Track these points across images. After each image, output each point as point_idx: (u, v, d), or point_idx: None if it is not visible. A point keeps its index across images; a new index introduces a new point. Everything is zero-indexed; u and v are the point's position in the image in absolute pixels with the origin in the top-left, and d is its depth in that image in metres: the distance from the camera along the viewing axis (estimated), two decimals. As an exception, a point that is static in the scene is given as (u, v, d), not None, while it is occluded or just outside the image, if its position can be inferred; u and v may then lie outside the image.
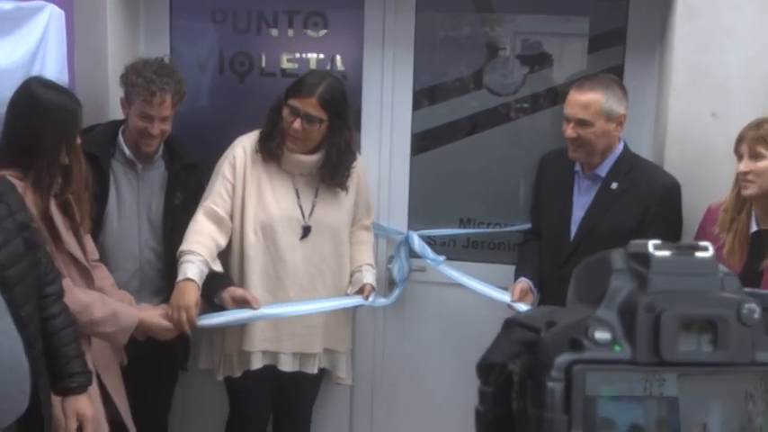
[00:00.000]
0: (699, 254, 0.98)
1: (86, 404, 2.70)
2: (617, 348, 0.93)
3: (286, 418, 3.73)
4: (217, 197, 3.28)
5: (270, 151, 3.30)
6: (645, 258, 0.97)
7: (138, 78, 3.18)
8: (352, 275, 3.49)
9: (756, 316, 0.94)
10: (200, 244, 3.19)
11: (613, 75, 3.41)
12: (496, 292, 3.44)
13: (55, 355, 2.62)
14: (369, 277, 3.44)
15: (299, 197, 3.37)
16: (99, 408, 2.99)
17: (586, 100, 3.11)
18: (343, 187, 3.41)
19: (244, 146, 3.34)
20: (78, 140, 2.86)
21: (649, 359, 0.93)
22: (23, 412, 2.48)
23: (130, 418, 3.22)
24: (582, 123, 3.12)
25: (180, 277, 3.12)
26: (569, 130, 3.14)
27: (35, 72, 3.10)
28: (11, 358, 2.39)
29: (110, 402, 3.13)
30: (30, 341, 2.44)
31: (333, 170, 3.34)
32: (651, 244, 0.98)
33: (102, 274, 3.13)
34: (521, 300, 3.31)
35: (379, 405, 4.05)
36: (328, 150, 3.31)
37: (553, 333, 0.97)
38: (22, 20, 3.18)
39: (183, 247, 3.18)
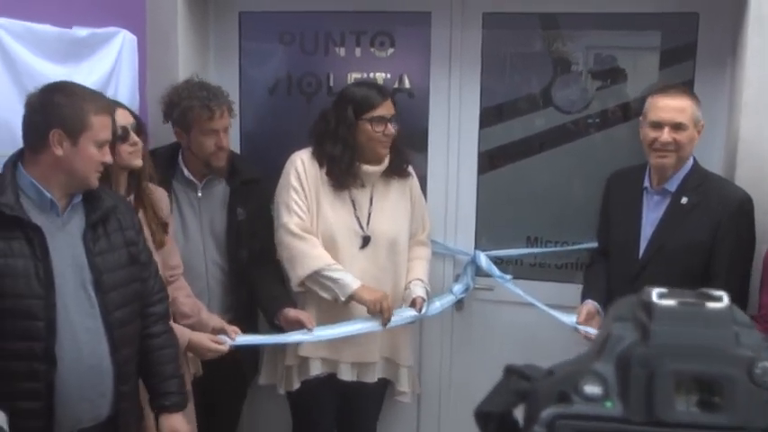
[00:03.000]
0: (710, 304, 0.91)
1: (181, 422, 2.79)
2: (608, 404, 0.87)
3: (350, 432, 3.74)
4: (299, 210, 3.32)
5: (345, 172, 3.34)
6: (648, 307, 0.91)
7: (193, 101, 3.26)
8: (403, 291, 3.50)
9: None
10: (327, 255, 3.28)
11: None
12: (563, 315, 3.39)
13: (152, 372, 2.76)
14: (418, 291, 3.44)
15: (355, 208, 3.40)
16: (194, 426, 3.13)
17: (681, 104, 3.08)
18: (404, 174, 3.46)
19: (302, 159, 3.38)
20: (131, 144, 2.92)
21: (643, 418, 0.86)
22: (105, 418, 2.57)
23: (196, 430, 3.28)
24: (678, 127, 3.07)
25: (352, 287, 3.23)
26: (665, 135, 3.07)
27: (109, 95, 3.19)
28: (92, 359, 2.49)
29: None
30: (116, 346, 2.54)
31: (393, 160, 3.41)
32: (656, 292, 0.92)
33: (178, 285, 3.20)
34: (586, 323, 3.25)
35: (445, 424, 4.02)
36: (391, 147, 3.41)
37: (545, 384, 0.93)
38: (97, 46, 3.30)
39: (318, 264, 3.24)
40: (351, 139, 3.31)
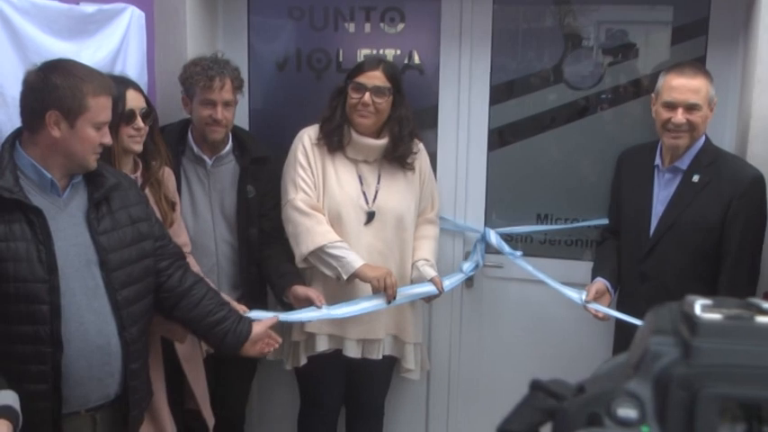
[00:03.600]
0: (760, 318, 0.80)
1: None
2: (644, 430, 0.79)
3: (358, 412, 3.77)
4: (305, 186, 3.33)
5: (330, 134, 3.34)
6: (691, 321, 0.81)
7: (196, 68, 3.26)
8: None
9: None
10: (332, 232, 3.28)
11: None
12: (572, 291, 3.38)
13: (207, 324, 2.84)
14: (431, 272, 3.43)
15: (362, 183, 3.40)
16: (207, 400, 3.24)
17: (697, 84, 3.05)
18: (407, 165, 3.44)
19: (309, 135, 3.40)
20: (135, 128, 2.91)
21: None
22: (114, 396, 2.58)
23: (209, 409, 3.30)
24: (692, 108, 3.05)
25: (354, 265, 3.21)
26: (679, 116, 3.05)
27: (117, 72, 3.18)
28: (99, 339, 2.49)
29: (190, 392, 3.22)
30: (124, 324, 2.54)
31: (397, 145, 3.37)
32: (699, 303, 0.82)
33: (189, 262, 3.18)
34: (596, 300, 3.25)
35: (455, 401, 4.04)
36: (392, 126, 3.37)
37: (575, 404, 0.85)
38: (104, 22, 3.27)
39: (322, 240, 3.24)
40: (341, 101, 3.35)
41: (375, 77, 3.30)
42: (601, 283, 3.32)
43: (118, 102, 2.71)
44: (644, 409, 0.79)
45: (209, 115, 3.28)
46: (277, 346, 3.04)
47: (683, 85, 3.06)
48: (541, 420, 0.89)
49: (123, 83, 2.93)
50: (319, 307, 3.21)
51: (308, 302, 3.25)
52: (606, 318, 3.26)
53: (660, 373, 0.80)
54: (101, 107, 2.45)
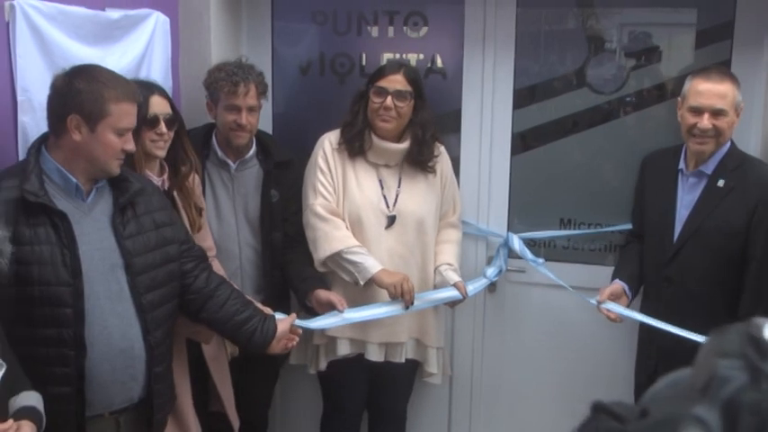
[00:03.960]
0: None
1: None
2: None
3: (381, 416, 3.77)
4: (325, 191, 3.34)
5: (352, 139, 3.35)
6: (759, 344, 0.79)
7: (221, 73, 3.28)
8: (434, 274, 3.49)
9: None
10: (351, 237, 3.30)
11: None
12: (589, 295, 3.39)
13: (233, 326, 2.87)
14: (455, 276, 3.42)
15: (382, 187, 3.40)
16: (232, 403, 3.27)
17: (724, 90, 3.03)
18: (428, 169, 3.44)
19: (330, 140, 3.42)
20: (158, 133, 2.91)
21: None
22: (137, 399, 2.60)
23: (234, 410, 3.32)
24: (718, 113, 3.03)
25: (371, 271, 3.22)
26: (705, 122, 3.04)
27: (142, 77, 3.20)
28: (122, 342, 2.51)
29: (216, 394, 3.24)
30: (148, 328, 2.56)
31: (420, 148, 3.38)
32: (767, 326, 0.79)
33: (215, 266, 3.19)
34: (613, 302, 3.26)
35: (477, 406, 4.03)
36: (415, 130, 3.37)
37: (640, 428, 0.83)
38: (130, 27, 3.30)
39: (339, 246, 3.26)
40: (363, 106, 3.36)
41: (396, 81, 3.30)
42: (618, 285, 3.33)
43: (141, 106, 2.73)
44: None
45: (234, 120, 3.30)
46: (298, 339, 3.07)
47: (709, 90, 3.03)
48: None
49: (149, 88, 2.95)
50: (341, 311, 3.22)
51: (330, 306, 3.25)
52: (618, 319, 3.24)
53: (729, 399, 0.77)
54: (123, 113, 2.46)
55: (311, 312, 3.32)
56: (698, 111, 3.04)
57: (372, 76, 3.38)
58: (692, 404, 0.79)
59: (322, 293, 3.29)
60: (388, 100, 3.29)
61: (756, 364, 0.78)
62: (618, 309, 3.24)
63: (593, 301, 3.30)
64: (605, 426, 0.88)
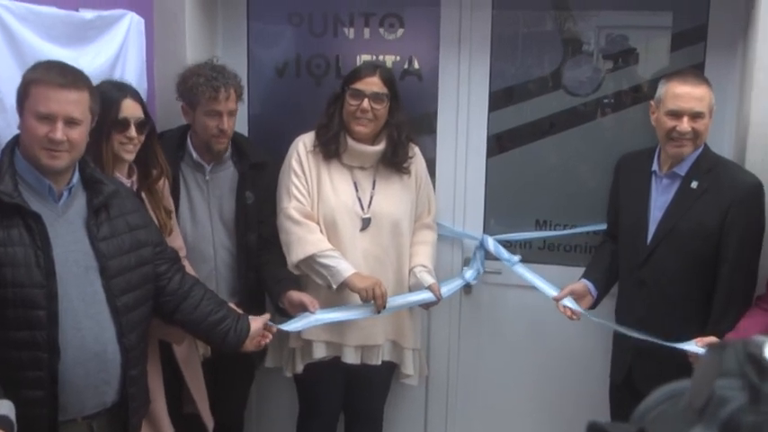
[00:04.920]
0: None
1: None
2: None
3: (357, 418, 3.77)
4: (299, 194, 3.33)
5: (328, 142, 3.34)
6: (759, 363, 0.76)
7: (200, 78, 3.25)
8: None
9: None
10: (324, 241, 3.28)
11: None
12: (548, 288, 3.43)
13: (206, 326, 2.87)
14: (428, 279, 3.42)
15: (357, 190, 3.40)
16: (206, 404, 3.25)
17: (701, 93, 3.05)
18: (403, 170, 3.44)
19: (304, 142, 3.41)
20: (127, 137, 2.88)
21: None
22: (110, 404, 2.58)
23: (208, 411, 3.31)
24: (697, 116, 3.05)
25: (344, 275, 3.20)
26: (684, 125, 3.05)
27: (116, 79, 3.18)
28: (96, 346, 2.49)
29: (189, 396, 3.23)
30: (123, 331, 2.54)
31: (395, 150, 3.38)
32: None
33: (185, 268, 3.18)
34: (577, 301, 3.30)
35: (453, 407, 4.03)
36: (390, 131, 3.38)
37: None
38: (104, 28, 3.27)
39: (312, 249, 3.24)
40: (338, 108, 3.34)
41: (373, 83, 3.30)
42: (581, 284, 3.38)
43: (111, 108, 2.70)
44: None
45: (216, 126, 3.28)
46: (272, 337, 3.07)
47: (687, 94, 3.05)
48: None
49: (122, 90, 2.93)
50: (313, 312, 3.21)
51: (302, 308, 3.24)
52: (576, 316, 3.28)
53: (727, 420, 0.75)
54: (41, 97, 2.37)
55: (284, 314, 3.30)
56: (676, 114, 3.05)
57: (348, 78, 3.37)
58: (689, 425, 0.77)
59: (294, 294, 3.28)
60: (365, 102, 3.28)
61: (755, 384, 0.76)
62: (575, 307, 3.28)
63: (552, 294, 3.35)
64: None
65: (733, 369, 0.77)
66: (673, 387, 0.88)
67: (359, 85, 3.30)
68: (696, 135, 3.05)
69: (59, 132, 2.37)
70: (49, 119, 2.37)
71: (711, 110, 3.07)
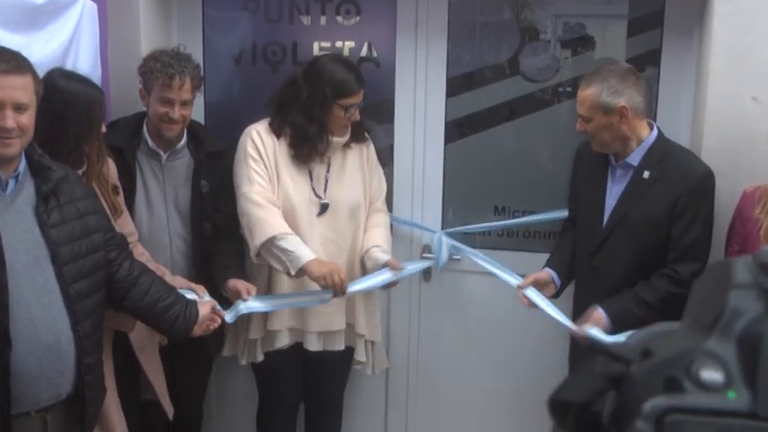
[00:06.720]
0: None
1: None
2: (731, 395, 0.70)
3: (317, 407, 3.76)
4: (260, 179, 3.30)
5: (312, 146, 3.34)
6: None
7: (157, 63, 3.21)
8: (362, 258, 3.48)
9: None
10: (285, 225, 3.25)
11: (616, 62, 3.36)
12: (511, 277, 3.42)
13: (157, 312, 2.85)
14: (384, 256, 3.41)
15: (312, 177, 3.39)
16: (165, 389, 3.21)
17: (582, 96, 3.12)
18: (362, 139, 3.50)
19: (258, 131, 3.38)
20: (103, 129, 2.89)
21: None
22: (65, 396, 2.53)
23: (167, 398, 3.28)
24: (583, 119, 3.13)
25: (302, 260, 3.15)
26: (578, 125, 3.18)
27: (69, 65, 3.13)
28: (49, 336, 2.44)
29: (148, 384, 3.20)
30: (77, 319, 2.50)
31: (355, 134, 3.46)
32: None
33: (138, 251, 3.14)
34: (540, 290, 3.30)
35: (414, 395, 4.04)
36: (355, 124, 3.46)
37: (646, 368, 0.76)
38: (56, 13, 3.21)
39: (273, 231, 3.20)
40: (323, 116, 3.31)
41: (360, 95, 3.35)
42: (545, 272, 3.38)
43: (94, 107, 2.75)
44: (729, 372, 0.69)
45: (166, 113, 3.24)
46: (220, 321, 3.05)
47: (578, 96, 3.16)
48: (604, 388, 0.80)
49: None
50: (245, 300, 3.18)
51: (238, 295, 3.22)
52: (533, 306, 3.28)
53: (745, 332, 0.71)
54: None
55: (226, 302, 3.25)
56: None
57: (338, 93, 3.29)
58: (700, 340, 0.73)
59: (231, 282, 3.25)
60: (357, 113, 3.35)
61: None
62: (534, 298, 3.28)
63: (513, 283, 3.35)
64: (605, 368, 0.81)
65: (746, 281, 0.75)
66: (666, 324, 0.85)
67: (355, 100, 3.32)
68: (591, 135, 3.14)
69: (9, 120, 2.33)
70: None
71: (602, 110, 3.06)
